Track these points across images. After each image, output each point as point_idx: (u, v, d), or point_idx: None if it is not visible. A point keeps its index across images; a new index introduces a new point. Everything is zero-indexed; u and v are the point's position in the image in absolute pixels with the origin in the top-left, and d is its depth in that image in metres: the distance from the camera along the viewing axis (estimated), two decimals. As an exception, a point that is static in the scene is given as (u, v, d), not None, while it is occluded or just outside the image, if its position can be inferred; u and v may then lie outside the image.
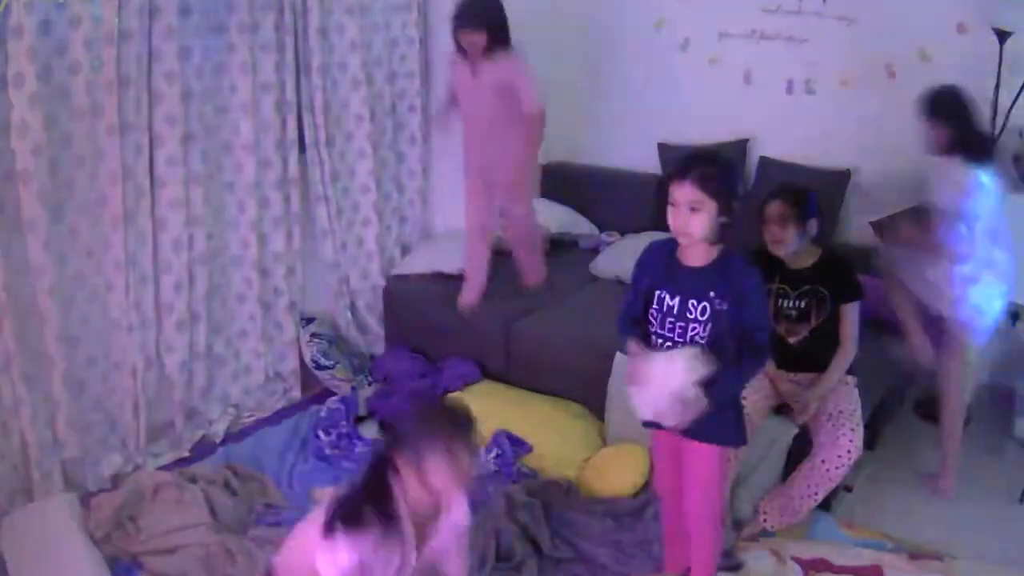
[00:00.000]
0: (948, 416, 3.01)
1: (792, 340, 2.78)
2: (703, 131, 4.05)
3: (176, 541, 2.52)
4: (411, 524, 1.87)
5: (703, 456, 2.22)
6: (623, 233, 4.11)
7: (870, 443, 3.19)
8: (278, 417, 3.44)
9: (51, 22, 2.57)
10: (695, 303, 2.10)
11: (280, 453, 3.16)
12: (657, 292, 2.16)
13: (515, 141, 3.29)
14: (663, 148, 4.17)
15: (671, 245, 2.18)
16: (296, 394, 3.63)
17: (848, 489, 2.99)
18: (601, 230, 4.25)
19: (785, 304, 2.76)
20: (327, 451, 3.16)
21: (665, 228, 2.14)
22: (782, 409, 2.80)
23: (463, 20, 3.19)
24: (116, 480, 2.95)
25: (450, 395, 3.36)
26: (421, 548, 1.91)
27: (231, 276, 3.41)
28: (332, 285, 3.75)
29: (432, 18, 3.92)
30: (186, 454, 3.16)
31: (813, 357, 2.76)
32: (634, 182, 4.21)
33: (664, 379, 2.08)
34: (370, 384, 3.66)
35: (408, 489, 1.85)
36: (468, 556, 2.14)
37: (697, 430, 2.15)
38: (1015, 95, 3.19)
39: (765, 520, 2.73)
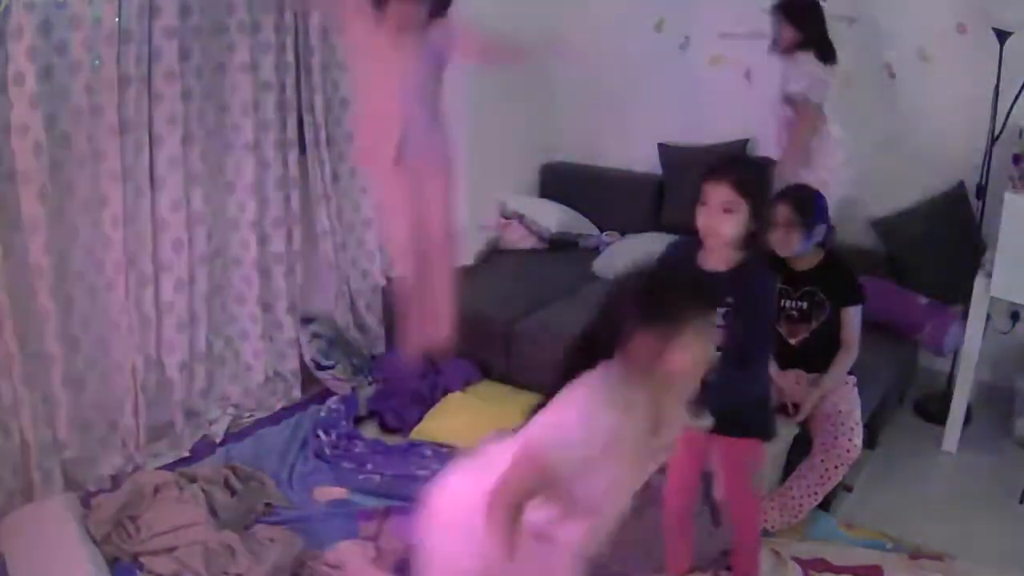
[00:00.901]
0: None
1: (793, 340, 2.78)
2: (703, 131, 4.05)
3: (176, 540, 2.52)
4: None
5: (732, 450, 2.25)
6: (623, 233, 4.11)
7: (870, 443, 3.20)
8: (278, 417, 3.44)
9: (51, 22, 2.57)
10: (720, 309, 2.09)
11: (280, 453, 3.16)
12: None
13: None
14: (663, 148, 4.18)
15: (692, 246, 2.15)
16: (296, 394, 3.63)
17: (848, 489, 2.99)
18: (601, 230, 4.26)
19: (787, 304, 2.76)
20: (327, 451, 3.16)
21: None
22: (782, 409, 2.80)
23: None
24: (116, 480, 2.95)
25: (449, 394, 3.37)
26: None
27: (231, 276, 3.41)
28: (332, 285, 3.75)
29: (432, 18, 3.91)
30: (186, 454, 3.16)
31: (813, 358, 2.77)
32: (634, 182, 4.22)
33: None
34: (370, 384, 3.66)
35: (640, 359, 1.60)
36: None
37: (722, 426, 2.14)
38: (1015, 95, 3.19)
39: (765, 520, 2.73)
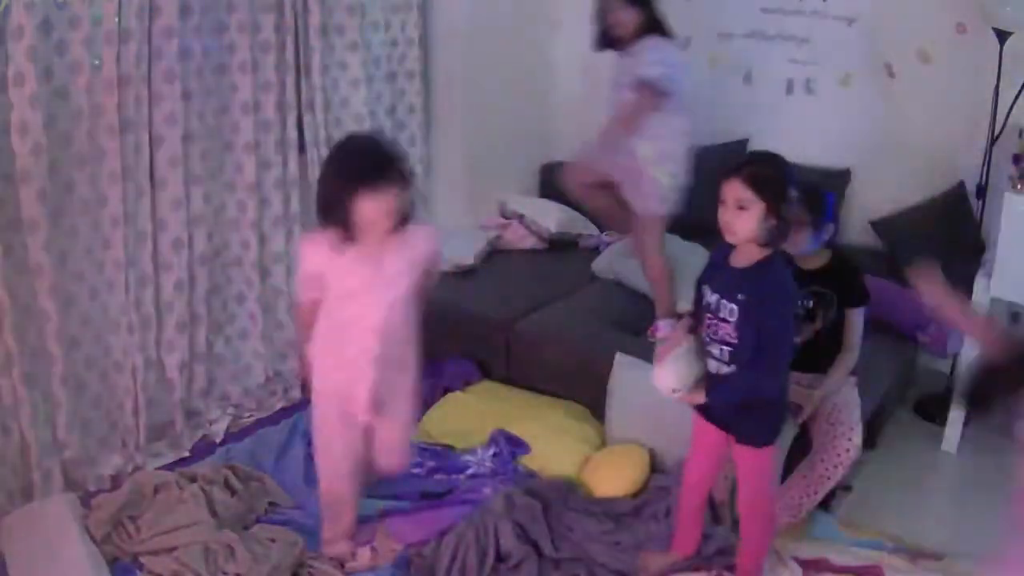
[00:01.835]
0: (653, 285, 3.38)
1: (796, 340, 2.78)
2: (703, 131, 4.05)
3: (176, 540, 2.52)
4: None
5: (742, 456, 2.29)
6: (623, 233, 4.10)
7: (870, 443, 3.20)
8: (278, 417, 3.44)
9: (51, 22, 2.57)
10: (726, 303, 2.13)
11: (280, 453, 3.16)
12: (703, 287, 2.22)
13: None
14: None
15: (726, 247, 2.19)
16: (296, 394, 3.62)
17: (848, 489, 2.99)
18: (601, 230, 4.25)
19: None
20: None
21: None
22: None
23: None
24: (116, 480, 2.95)
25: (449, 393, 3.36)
26: None
27: (231, 276, 3.41)
28: (332, 285, 3.74)
29: (432, 18, 3.92)
30: (186, 454, 3.16)
31: (816, 358, 2.77)
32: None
33: (657, 379, 2.23)
34: (370, 384, 3.65)
35: None
36: None
37: (736, 431, 2.23)
38: (1015, 95, 3.19)
39: (769, 522, 2.73)
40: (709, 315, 2.19)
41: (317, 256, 2.30)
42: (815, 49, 3.79)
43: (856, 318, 2.74)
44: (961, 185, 3.51)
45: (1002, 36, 3.17)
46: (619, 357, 3.11)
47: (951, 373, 3.41)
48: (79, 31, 2.64)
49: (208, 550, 2.47)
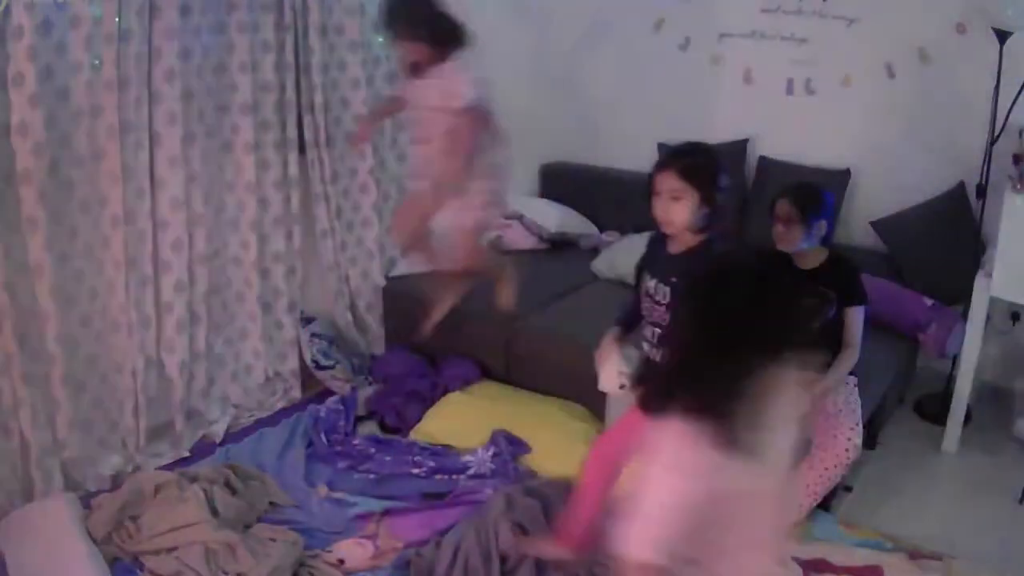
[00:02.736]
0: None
1: None
2: (703, 131, 4.04)
3: (176, 540, 2.52)
4: None
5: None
6: (623, 233, 4.11)
7: (870, 443, 3.20)
8: (278, 417, 3.44)
9: (51, 22, 2.56)
10: (662, 286, 2.19)
11: (280, 453, 3.16)
12: (644, 273, 2.29)
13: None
14: (663, 148, 4.17)
15: (661, 235, 2.27)
16: (296, 394, 3.63)
17: (848, 489, 2.99)
18: (601, 230, 4.25)
19: None
20: (326, 451, 3.16)
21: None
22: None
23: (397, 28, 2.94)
24: (116, 480, 2.95)
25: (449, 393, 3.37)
26: None
27: (231, 276, 3.41)
28: (332, 285, 3.75)
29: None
30: (186, 454, 3.16)
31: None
32: (634, 182, 4.18)
33: (603, 385, 2.44)
34: (370, 384, 3.66)
35: None
36: None
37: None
38: (1015, 95, 3.19)
39: (765, 520, 2.73)
40: (647, 298, 2.25)
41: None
42: (815, 49, 3.79)
43: (855, 317, 2.73)
44: (961, 185, 3.51)
45: (1002, 36, 3.17)
46: (619, 357, 3.11)
47: (951, 372, 3.41)
48: (79, 31, 2.64)
49: (209, 550, 2.47)
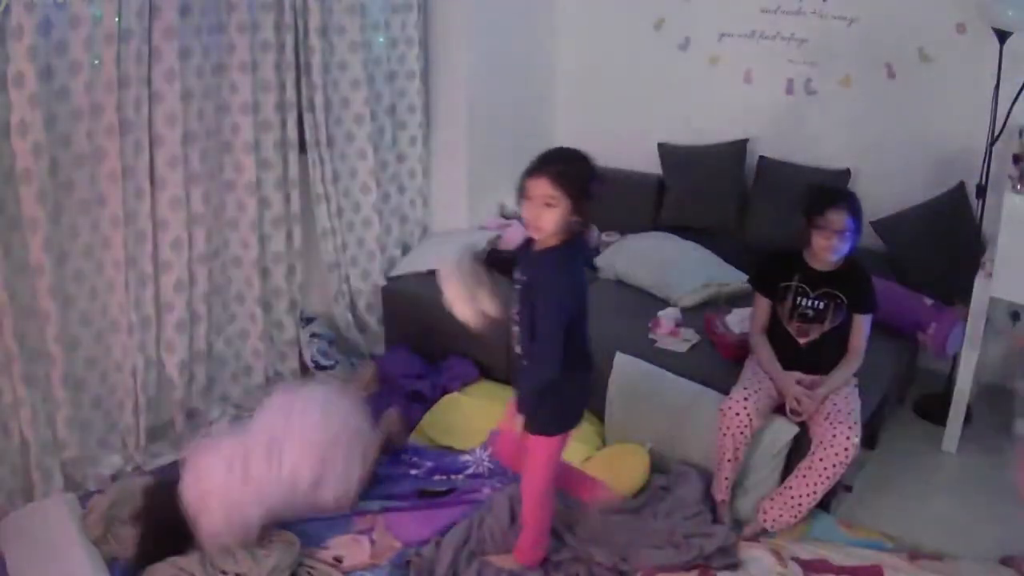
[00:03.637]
0: None
1: (802, 341, 2.79)
2: (703, 131, 4.05)
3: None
4: None
5: (531, 444, 2.36)
6: (623, 233, 4.11)
7: (870, 443, 3.20)
8: (278, 417, 3.43)
9: (51, 22, 2.57)
10: (518, 286, 2.22)
11: (280, 453, 3.15)
12: (517, 270, 2.29)
13: None
14: (663, 148, 4.17)
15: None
16: (296, 394, 3.63)
17: (848, 489, 2.99)
18: (601, 230, 4.25)
19: (803, 303, 2.77)
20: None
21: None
22: (782, 409, 2.80)
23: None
24: (116, 480, 2.95)
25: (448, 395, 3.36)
26: None
27: (231, 276, 3.41)
28: (332, 285, 3.75)
29: (432, 18, 3.92)
30: (186, 454, 3.16)
31: (820, 361, 2.77)
32: (634, 182, 4.21)
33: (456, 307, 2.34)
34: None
35: None
36: None
37: (526, 421, 2.30)
38: (1015, 95, 3.19)
39: (765, 520, 2.73)
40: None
41: None
42: (815, 49, 3.79)
43: (864, 324, 2.76)
44: (961, 185, 3.51)
45: (1002, 36, 3.17)
46: (619, 357, 3.11)
47: (951, 372, 3.41)
48: (79, 31, 2.64)
49: (206, 553, 2.46)
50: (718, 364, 3.06)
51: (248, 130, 3.25)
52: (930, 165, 3.61)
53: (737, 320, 3.17)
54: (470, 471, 2.99)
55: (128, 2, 2.73)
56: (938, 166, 3.59)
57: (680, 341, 3.23)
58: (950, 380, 3.39)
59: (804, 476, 2.67)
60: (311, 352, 3.60)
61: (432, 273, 3.74)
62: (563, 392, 2.28)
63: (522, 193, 2.14)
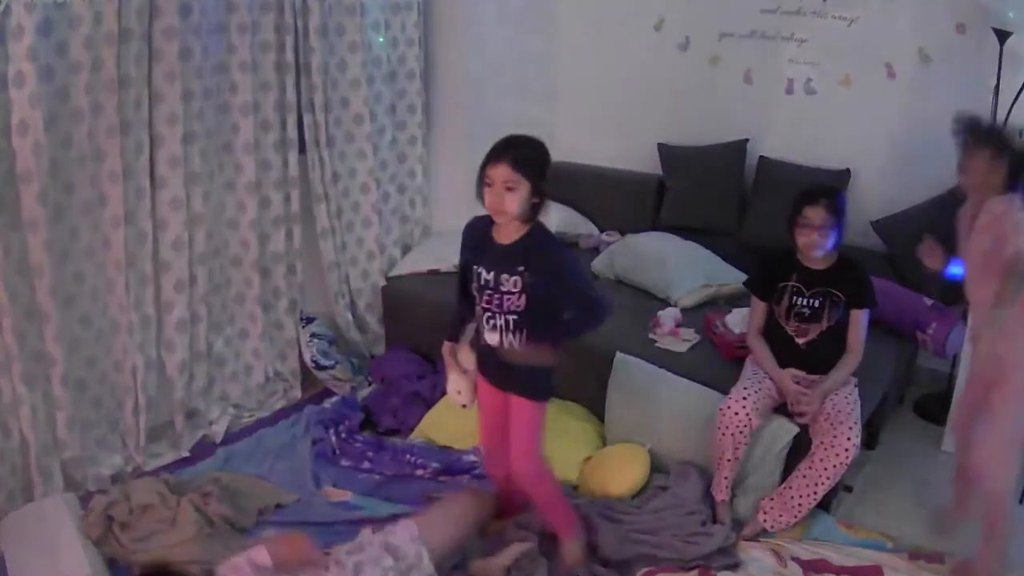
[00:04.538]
0: None
1: (801, 341, 2.78)
2: (703, 131, 4.05)
3: (170, 556, 2.50)
4: None
5: (520, 411, 2.41)
6: (623, 233, 4.11)
7: (870, 443, 3.20)
8: (278, 417, 3.44)
9: (51, 22, 2.57)
10: (507, 277, 2.24)
11: (280, 453, 3.16)
12: (474, 267, 2.32)
13: None
14: (663, 148, 4.17)
15: (487, 222, 2.30)
16: (296, 394, 3.63)
17: (848, 489, 2.99)
18: (601, 230, 4.25)
19: (799, 302, 2.77)
20: (327, 451, 3.16)
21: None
22: (783, 409, 2.80)
23: None
24: (116, 480, 2.95)
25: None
26: None
27: (231, 276, 3.41)
28: (332, 285, 3.75)
29: (432, 18, 3.92)
30: (186, 454, 3.17)
31: (819, 359, 2.77)
32: (634, 182, 4.21)
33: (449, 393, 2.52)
34: (370, 384, 3.66)
35: None
36: None
37: (516, 386, 2.38)
38: (1015, 95, 3.19)
39: (765, 520, 2.73)
40: (488, 291, 2.28)
41: None
42: (815, 49, 3.79)
43: (862, 320, 2.75)
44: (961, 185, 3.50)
45: (1002, 36, 3.17)
46: (619, 357, 3.11)
47: (951, 372, 3.41)
48: (79, 31, 2.64)
49: (202, 561, 2.44)
50: (718, 364, 3.06)
51: (248, 130, 3.26)
52: (930, 165, 3.60)
53: (737, 320, 3.17)
54: (477, 472, 2.98)
55: (128, 2, 2.73)
56: (938, 166, 3.58)
57: (680, 341, 3.23)
58: (950, 380, 3.39)
59: (804, 476, 2.67)
60: (311, 352, 3.60)
61: (432, 273, 3.79)
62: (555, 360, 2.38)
63: (483, 181, 2.20)
